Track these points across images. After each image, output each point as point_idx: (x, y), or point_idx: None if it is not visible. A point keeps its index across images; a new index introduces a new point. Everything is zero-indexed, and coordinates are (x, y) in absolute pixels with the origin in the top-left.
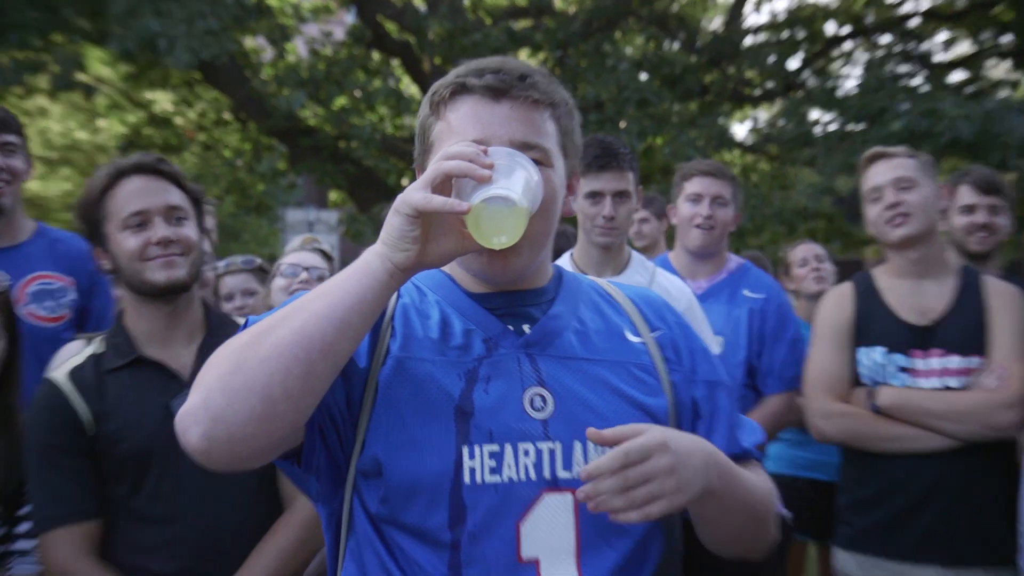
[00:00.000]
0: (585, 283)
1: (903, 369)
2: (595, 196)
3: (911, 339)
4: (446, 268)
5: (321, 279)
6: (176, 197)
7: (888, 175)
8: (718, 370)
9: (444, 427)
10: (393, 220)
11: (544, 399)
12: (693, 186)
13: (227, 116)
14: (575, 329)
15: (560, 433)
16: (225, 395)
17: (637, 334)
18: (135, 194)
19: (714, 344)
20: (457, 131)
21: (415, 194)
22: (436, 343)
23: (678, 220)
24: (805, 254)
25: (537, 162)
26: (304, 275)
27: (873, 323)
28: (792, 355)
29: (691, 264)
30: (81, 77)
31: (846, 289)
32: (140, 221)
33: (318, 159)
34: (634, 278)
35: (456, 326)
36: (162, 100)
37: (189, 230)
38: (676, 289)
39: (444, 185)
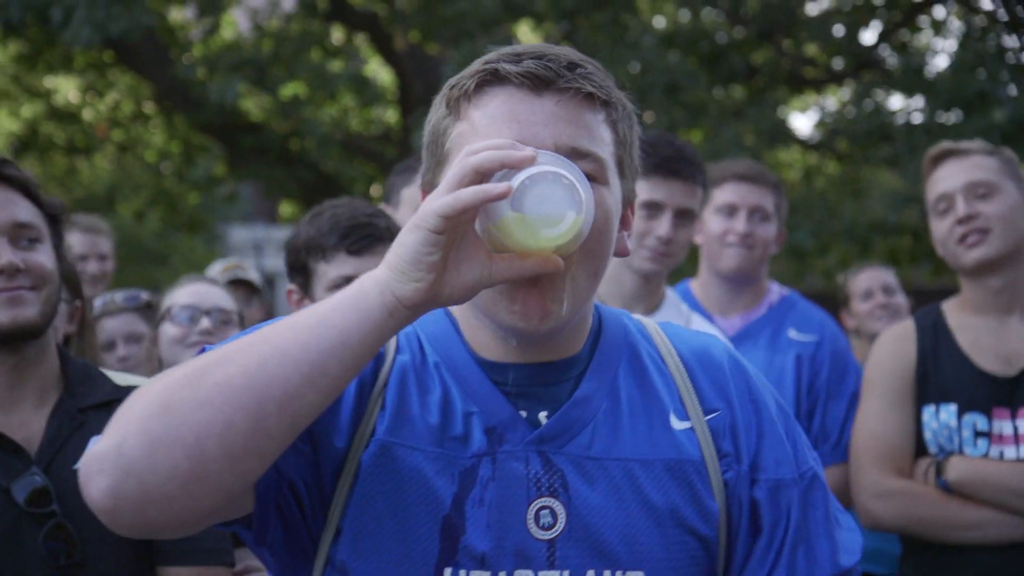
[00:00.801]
0: (632, 331)
1: (981, 434)
2: (652, 208)
3: (992, 394)
4: (459, 318)
5: (226, 325)
6: (26, 212)
7: (959, 179)
8: (791, 463)
9: (426, 543)
10: (407, 239)
11: (554, 514)
12: (725, 194)
13: (148, 108)
14: (605, 412)
15: (570, 559)
16: (144, 442)
17: (684, 416)
18: None
19: None
20: (484, 133)
21: (437, 200)
22: (433, 429)
23: (704, 238)
24: (870, 283)
25: (588, 176)
26: (205, 323)
27: (942, 373)
28: (853, 415)
29: (722, 295)
30: None
31: (906, 329)
32: None
33: (264, 162)
34: None
35: (457, 406)
36: (66, 89)
37: (43, 256)
38: None
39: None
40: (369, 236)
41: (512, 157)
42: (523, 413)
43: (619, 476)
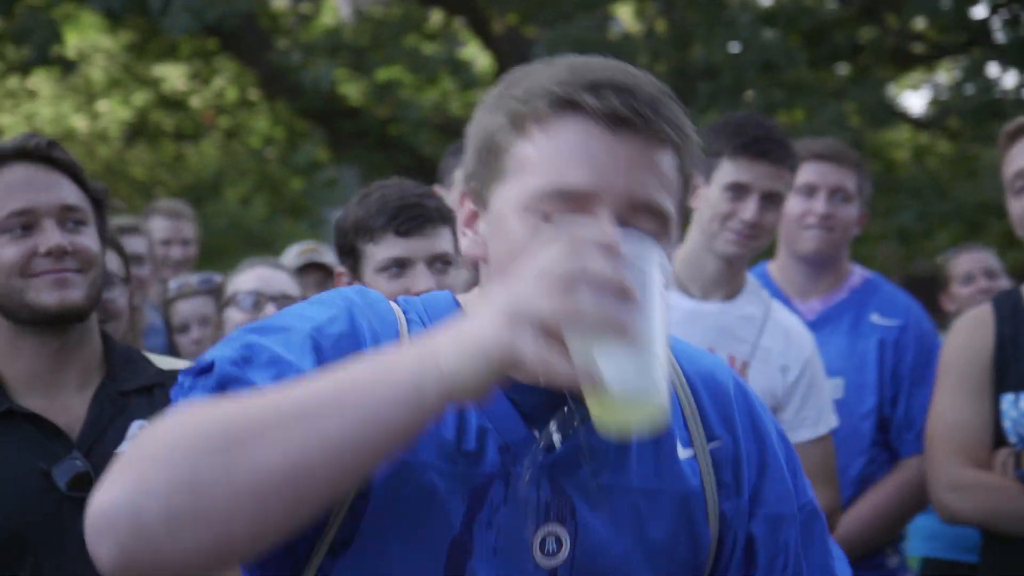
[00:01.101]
0: None
1: None
2: (738, 190)
3: None
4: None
5: None
6: (73, 195)
7: None
8: (791, 497)
9: (433, 564)
10: (477, 359)
11: (560, 541)
12: (805, 174)
13: (253, 95)
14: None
15: None
16: (167, 518)
17: (688, 444)
18: (18, 188)
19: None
20: (553, 166)
21: (525, 342)
22: (448, 444)
23: (782, 219)
24: (971, 266)
25: (654, 236)
26: (271, 310)
27: (1022, 360)
28: None
29: (801, 278)
30: (65, 51)
31: (984, 313)
32: (24, 223)
33: (363, 147)
34: (746, 309)
35: (471, 420)
36: (173, 77)
37: (88, 239)
38: (797, 334)
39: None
40: (419, 217)
41: (618, 331)
42: (536, 434)
43: (623, 505)
